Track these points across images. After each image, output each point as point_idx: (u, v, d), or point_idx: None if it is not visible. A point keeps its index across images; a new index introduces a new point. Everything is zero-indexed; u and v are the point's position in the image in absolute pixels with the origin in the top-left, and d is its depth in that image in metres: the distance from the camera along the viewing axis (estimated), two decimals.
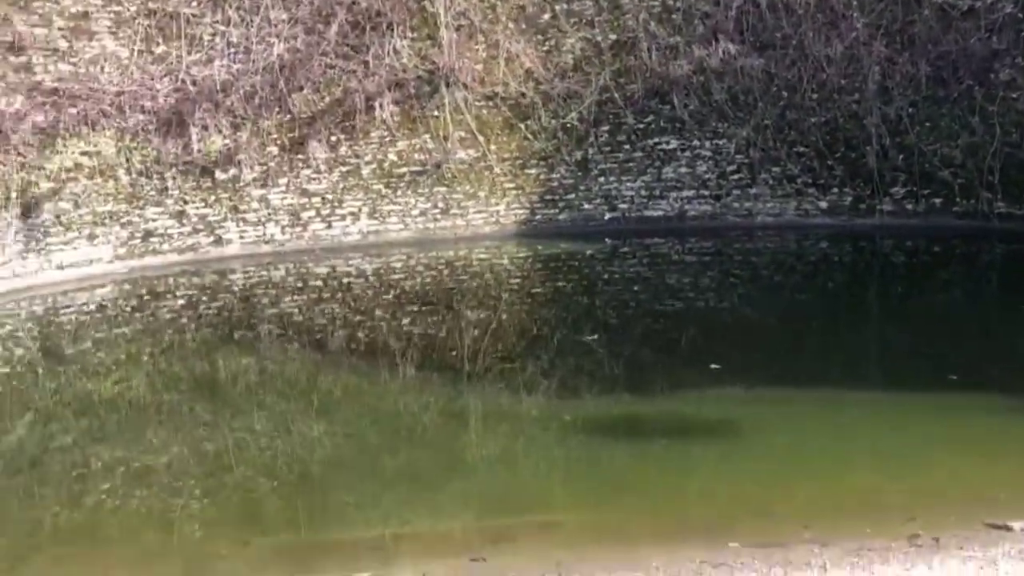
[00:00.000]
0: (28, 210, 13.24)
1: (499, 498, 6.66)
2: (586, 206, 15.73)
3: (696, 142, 15.58)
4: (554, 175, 15.72)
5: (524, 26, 15.92)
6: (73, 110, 13.95)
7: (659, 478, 6.67)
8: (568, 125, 15.61)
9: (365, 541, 5.95)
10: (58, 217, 13.51)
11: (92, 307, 13.02)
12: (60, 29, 14.44)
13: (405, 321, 11.77)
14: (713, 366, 8.84)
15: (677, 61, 15.51)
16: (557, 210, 15.72)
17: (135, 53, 14.77)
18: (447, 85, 15.30)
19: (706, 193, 15.57)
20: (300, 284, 13.83)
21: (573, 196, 15.72)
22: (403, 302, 12.70)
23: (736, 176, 15.53)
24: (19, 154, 13.41)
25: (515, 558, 5.42)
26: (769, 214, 15.40)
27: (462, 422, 8.47)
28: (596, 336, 10.34)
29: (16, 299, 12.78)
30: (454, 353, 10.36)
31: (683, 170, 15.60)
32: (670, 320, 11.68)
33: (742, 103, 15.43)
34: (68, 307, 12.91)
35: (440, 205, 15.44)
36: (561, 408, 8.30)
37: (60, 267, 13.46)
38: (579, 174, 15.68)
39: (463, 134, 15.51)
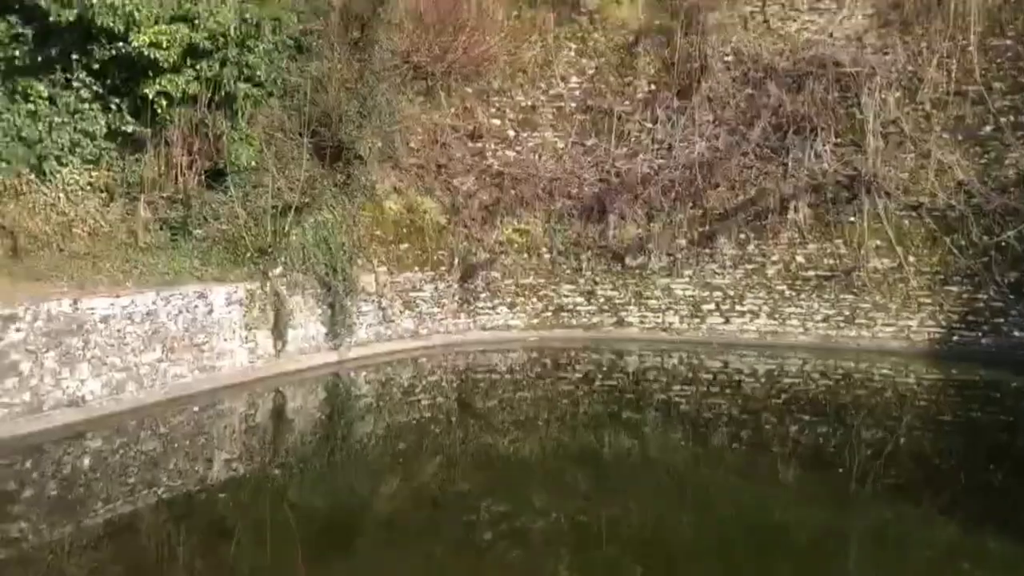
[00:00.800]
0: (466, 276, 15.18)
1: None
2: (1016, 333, 14.09)
3: None
4: (980, 295, 14.34)
5: (960, 137, 14.92)
6: (513, 191, 15.77)
7: None
8: (1003, 243, 14.20)
9: None
10: (488, 284, 15.29)
11: (503, 369, 14.43)
12: (511, 121, 16.49)
13: (792, 428, 11.41)
14: None
15: None
16: (980, 333, 14.28)
17: (569, 144, 16.33)
18: (867, 192, 14.77)
19: None
20: (691, 375, 14.04)
21: (1001, 320, 14.19)
22: (793, 408, 12.31)
23: None
24: (466, 226, 15.45)
25: None
26: None
27: (856, 544, 7.88)
28: None
29: (445, 352, 14.66)
30: (841, 471, 9.78)
31: None
32: None
33: None
34: (484, 366, 14.48)
35: (845, 313, 14.84)
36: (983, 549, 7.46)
37: (483, 328, 15.20)
38: (1011, 297, 14.13)
39: (879, 243, 14.83)
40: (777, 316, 15.10)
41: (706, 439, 11.05)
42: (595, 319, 15.49)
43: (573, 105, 16.50)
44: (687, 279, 15.40)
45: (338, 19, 15.63)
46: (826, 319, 14.93)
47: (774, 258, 15.25)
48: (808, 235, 15.15)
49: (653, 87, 16.39)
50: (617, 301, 15.49)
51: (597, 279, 15.56)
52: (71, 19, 11.33)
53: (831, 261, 15.02)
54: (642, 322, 15.41)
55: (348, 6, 15.83)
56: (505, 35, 16.52)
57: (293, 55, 14.70)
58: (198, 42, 12.22)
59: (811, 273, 15.09)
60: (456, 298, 15.15)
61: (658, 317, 15.38)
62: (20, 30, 11.45)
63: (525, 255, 15.63)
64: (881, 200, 14.79)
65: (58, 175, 12.13)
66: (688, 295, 15.37)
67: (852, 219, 14.98)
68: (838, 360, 14.33)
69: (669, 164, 15.76)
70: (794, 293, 15.10)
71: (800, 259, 15.17)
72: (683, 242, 15.49)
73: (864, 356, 14.43)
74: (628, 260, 15.50)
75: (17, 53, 11.48)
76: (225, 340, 11.62)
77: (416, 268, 14.73)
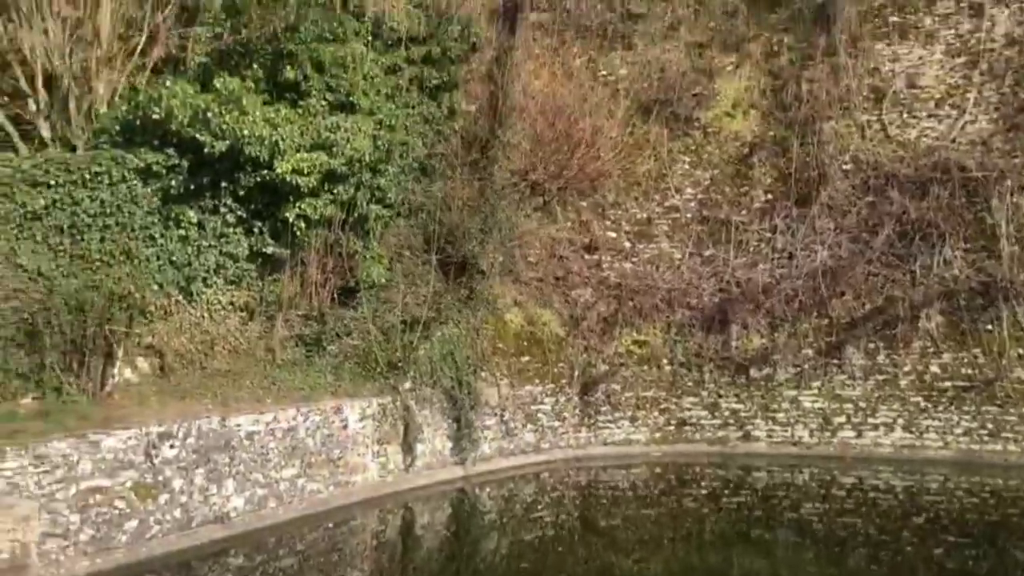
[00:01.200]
0: (586, 389, 15.14)
1: None
2: None
3: None
4: None
5: None
6: (631, 303, 15.81)
7: None
8: None
9: None
10: (608, 397, 15.19)
11: (626, 485, 14.16)
12: (626, 233, 16.68)
13: (937, 550, 10.80)
14: None
15: None
16: None
17: (687, 255, 16.36)
18: (1005, 299, 14.25)
19: None
20: (823, 491, 13.49)
21: None
22: (936, 528, 11.67)
23: None
24: (584, 338, 15.51)
25: None
26: None
27: None
28: None
29: (567, 467, 14.52)
30: None
31: None
32: None
33: None
34: (607, 482, 14.25)
35: (989, 426, 14.12)
36: None
37: (605, 443, 15.03)
38: None
39: (1022, 351, 14.18)
40: (913, 429, 14.47)
41: (841, 560, 10.54)
42: (720, 433, 15.14)
43: (689, 216, 16.61)
44: (815, 391, 14.96)
45: (459, 142, 16.34)
46: (967, 432, 14.21)
47: (906, 368, 14.72)
48: (942, 344, 14.62)
49: (770, 196, 16.41)
50: (742, 414, 15.13)
51: (721, 391, 15.28)
52: (223, 150, 12.17)
53: (969, 371, 14.41)
54: (769, 436, 14.96)
55: (469, 129, 16.56)
56: (619, 151, 16.89)
57: (418, 177, 15.37)
58: (336, 168, 12.92)
59: (948, 384, 14.47)
60: (577, 411, 15.10)
61: (786, 431, 14.92)
62: (176, 161, 12.34)
63: (645, 367, 15.53)
64: (1021, 307, 14.22)
65: (203, 296, 12.81)
66: (817, 407, 14.91)
67: (989, 327, 14.43)
68: (984, 476, 13.58)
69: (791, 273, 15.59)
70: (931, 405, 14.48)
71: (935, 369, 14.60)
72: (809, 352, 15.13)
73: (1014, 472, 13.63)
74: (752, 372, 15.21)
75: (173, 183, 12.33)
76: (359, 455, 11.84)
77: (537, 381, 14.80)
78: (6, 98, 13.63)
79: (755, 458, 14.73)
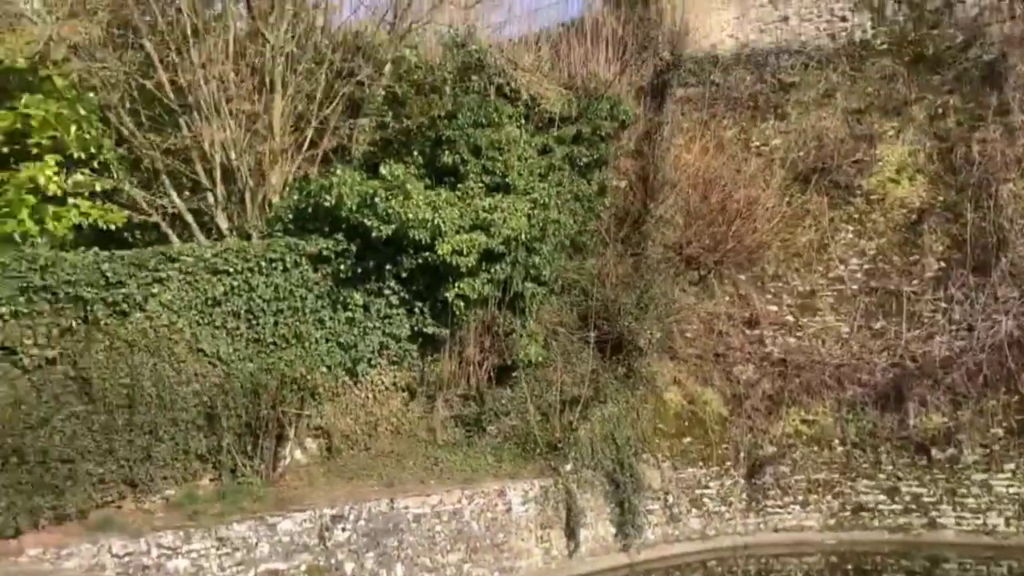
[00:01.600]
0: (753, 471, 14.39)
1: None
2: None
3: None
4: None
5: None
6: (797, 380, 15.05)
7: None
8: None
9: None
10: (777, 480, 14.37)
11: (799, 575, 13.28)
12: (788, 306, 16.02)
13: None
14: None
15: None
16: None
17: (855, 328, 15.52)
18: None
19: None
20: None
21: None
22: None
23: None
24: (748, 418, 14.83)
25: None
26: None
27: None
28: None
29: (735, 556, 13.75)
30: None
31: None
32: None
33: None
34: (778, 571, 13.43)
35: None
36: None
37: (775, 529, 14.17)
38: None
39: None
40: None
41: None
42: (901, 520, 14.00)
43: (855, 287, 15.83)
44: (1010, 474, 13.68)
45: (611, 218, 16.27)
46: None
47: None
48: None
49: (943, 264, 15.46)
50: (926, 499, 13.97)
51: (900, 474, 14.19)
52: (388, 233, 12.48)
53: None
54: (959, 524, 13.73)
55: (620, 205, 16.50)
56: (777, 221, 16.35)
57: (571, 254, 15.35)
58: (493, 247, 13.02)
59: None
60: (743, 495, 14.34)
61: (978, 518, 13.67)
62: (345, 246, 12.73)
63: (815, 448, 14.66)
64: None
65: (367, 376, 13.01)
66: (1013, 492, 13.61)
67: None
68: None
69: (972, 346, 14.51)
70: None
71: None
72: (999, 431, 13.93)
73: None
74: (935, 452, 14.09)
75: (342, 267, 12.71)
76: (522, 540, 11.59)
77: (700, 463, 14.21)
78: (188, 192, 14.50)
79: (943, 548, 13.54)
